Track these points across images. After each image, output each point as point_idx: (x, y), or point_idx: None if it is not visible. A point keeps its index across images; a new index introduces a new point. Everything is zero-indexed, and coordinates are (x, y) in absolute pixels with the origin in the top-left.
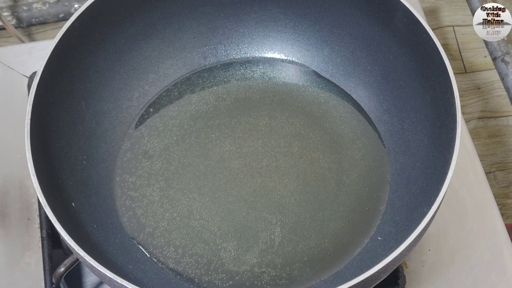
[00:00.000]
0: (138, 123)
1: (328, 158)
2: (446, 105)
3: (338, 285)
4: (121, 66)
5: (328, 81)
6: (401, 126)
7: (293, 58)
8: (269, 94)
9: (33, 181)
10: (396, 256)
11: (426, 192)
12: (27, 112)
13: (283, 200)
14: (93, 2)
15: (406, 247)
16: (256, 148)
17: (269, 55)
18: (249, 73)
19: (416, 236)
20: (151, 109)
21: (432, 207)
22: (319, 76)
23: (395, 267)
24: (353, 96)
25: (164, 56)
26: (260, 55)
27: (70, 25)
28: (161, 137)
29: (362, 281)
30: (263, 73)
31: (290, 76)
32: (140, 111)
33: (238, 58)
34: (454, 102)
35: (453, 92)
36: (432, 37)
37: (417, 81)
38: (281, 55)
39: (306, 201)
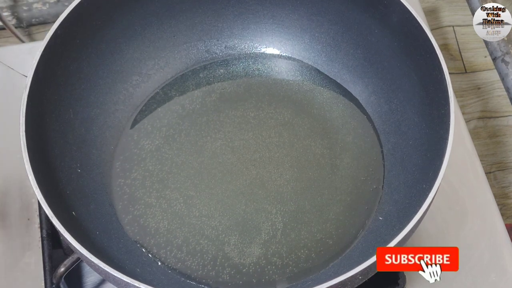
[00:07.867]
0: (126, 126)
1: (320, 144)
2: (434, 82)
3: (348, 270)
4: (104, 70)
5: (312, 68)
6: (389, 106)
7: (274, 49)
8: (254, 86)
9: (36, 193)
10: (412, 227)
11: (423, 169)
12: (20, 124)
13: (281, 190)
14: (72, 9)
15: (421, 216)
16: (247, 140)
17: (250, 47)
18: (231, 67)
19: (427, 208)
20: (138, 111)
21: (439, 176)
22: (302, 64)
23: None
24: (338, 81)
25: (145, 57)
26: (241, 48)
27: (53, 34)
28: (151, 139)
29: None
30: (246, 66)
31: (272, 66)
32: (127, 114)
33: (219, 53)
34: (444, 78)
35: (441, 68)
36: (414, 15)
37: (401, 61)
38: (261, 46)
39: (303, 188)
